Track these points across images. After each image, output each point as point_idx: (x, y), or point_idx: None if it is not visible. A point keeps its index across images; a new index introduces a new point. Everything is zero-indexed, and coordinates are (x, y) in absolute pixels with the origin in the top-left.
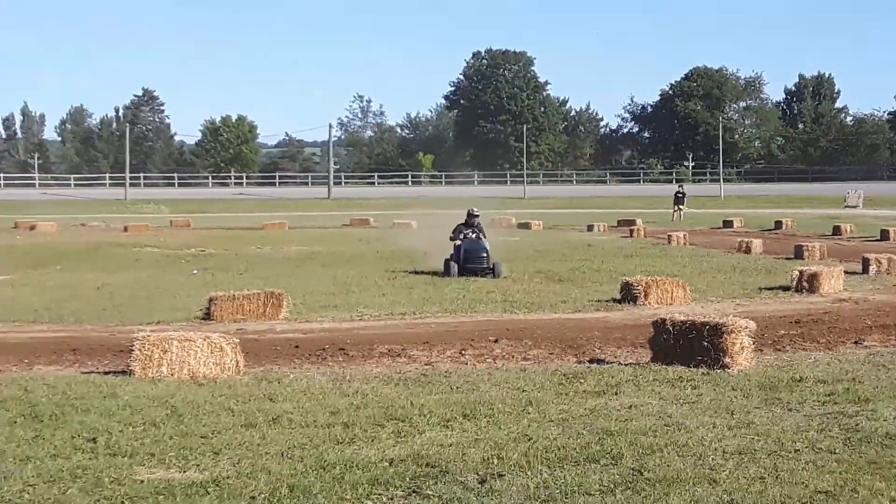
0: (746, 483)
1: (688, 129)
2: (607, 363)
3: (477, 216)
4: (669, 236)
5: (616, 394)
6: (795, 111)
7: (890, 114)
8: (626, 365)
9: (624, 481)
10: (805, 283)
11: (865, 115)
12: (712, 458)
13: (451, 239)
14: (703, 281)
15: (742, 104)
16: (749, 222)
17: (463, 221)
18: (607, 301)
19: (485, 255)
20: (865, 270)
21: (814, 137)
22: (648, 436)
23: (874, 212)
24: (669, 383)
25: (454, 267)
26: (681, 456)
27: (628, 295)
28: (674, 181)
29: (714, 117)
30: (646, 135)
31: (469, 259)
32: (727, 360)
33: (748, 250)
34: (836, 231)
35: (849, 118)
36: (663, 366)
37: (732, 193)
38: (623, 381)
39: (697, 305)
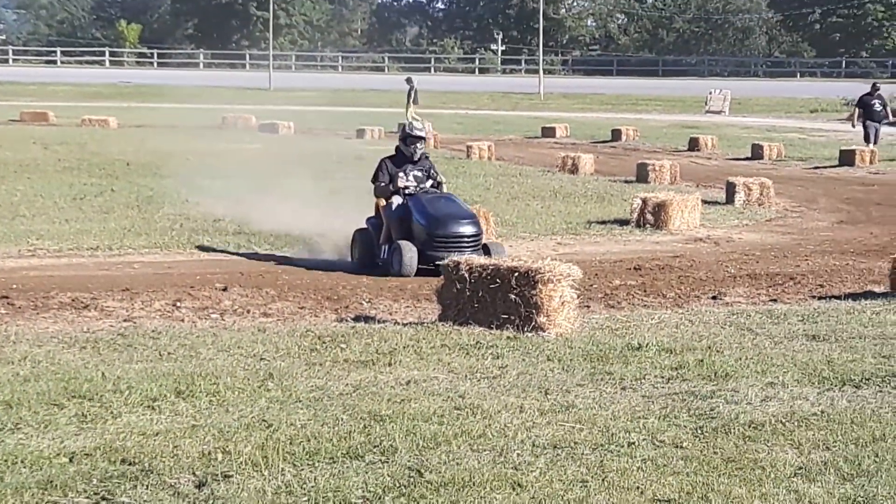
0: (563, 488)
1: None
2: (379, 322)
3: (422, 139)
4: (469, 147)
5: (390, 364)
6: None
7: None
8: (404, 325)
9: (397, 485)
10: (649, 216)
11: None
12: (518, 454)
13: (380, 190)
14: (512, 210)
15: None
16: (577, 131)
17: (390, 155)
18: None
19: (473, 228)
20: (730, 200)
21: (667, 16)
22: (432, 423)
23: (744, 120)
24: (463, 351)
25: (408, 250)
26: (475, 450)
27: None
28: (476, 71)
29: None
30: (439, 5)
31: (442, 238)
32: (542, 319)
33: (575, 169)
34: (694, 145)
35: None
36: (455, 327)
37: (556, 90)
38: (400, 346)
39: (504, 244)
